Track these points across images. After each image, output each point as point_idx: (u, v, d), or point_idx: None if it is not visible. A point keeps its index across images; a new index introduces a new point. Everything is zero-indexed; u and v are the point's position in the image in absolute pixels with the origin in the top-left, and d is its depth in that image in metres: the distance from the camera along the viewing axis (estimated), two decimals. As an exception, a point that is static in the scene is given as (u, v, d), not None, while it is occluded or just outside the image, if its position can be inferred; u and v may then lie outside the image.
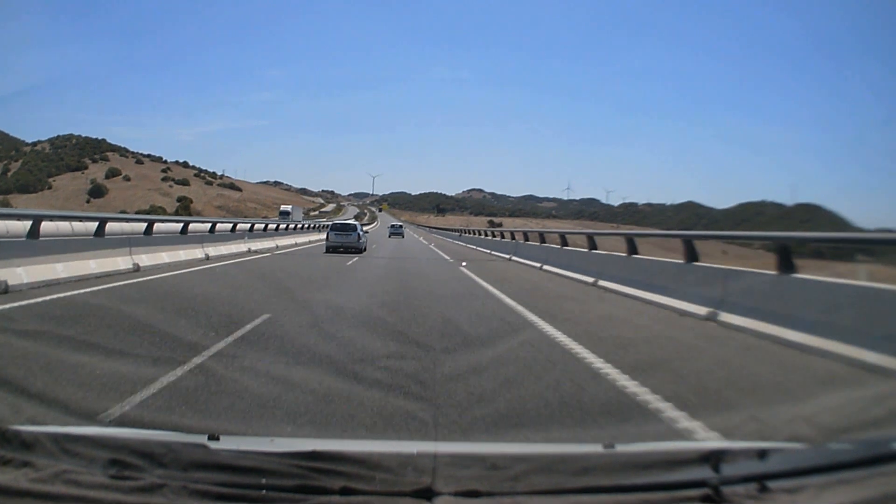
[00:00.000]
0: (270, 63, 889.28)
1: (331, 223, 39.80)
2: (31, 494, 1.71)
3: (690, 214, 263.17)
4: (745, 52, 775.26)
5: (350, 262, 22.92)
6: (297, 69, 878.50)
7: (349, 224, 36.30)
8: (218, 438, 2.32)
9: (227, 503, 1.72)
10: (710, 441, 4.53)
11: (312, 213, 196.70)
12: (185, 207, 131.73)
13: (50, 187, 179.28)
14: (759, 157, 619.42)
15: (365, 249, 34.20)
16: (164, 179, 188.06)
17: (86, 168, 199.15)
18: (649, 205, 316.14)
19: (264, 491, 1.75)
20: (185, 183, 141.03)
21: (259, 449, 2.22)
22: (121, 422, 4.60)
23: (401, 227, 78.76)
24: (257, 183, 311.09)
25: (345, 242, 32.56)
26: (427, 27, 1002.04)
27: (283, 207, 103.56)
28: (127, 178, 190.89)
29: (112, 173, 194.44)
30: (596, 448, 2.51)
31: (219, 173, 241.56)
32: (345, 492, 1.75)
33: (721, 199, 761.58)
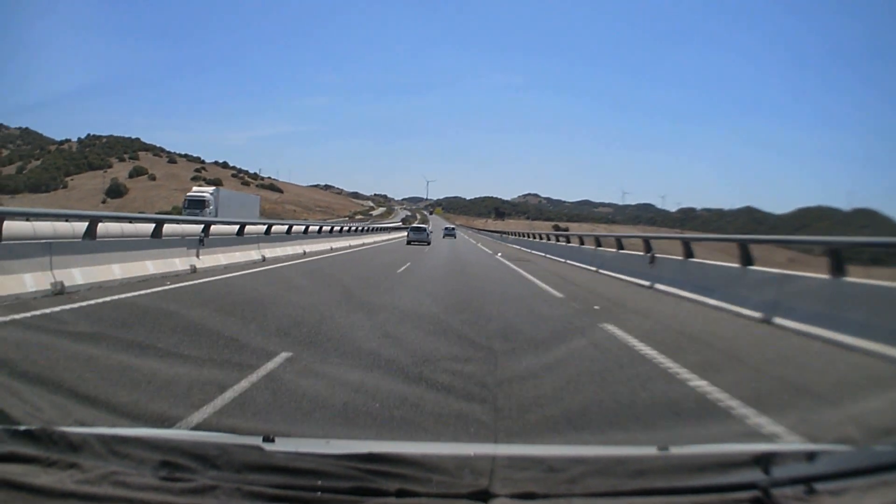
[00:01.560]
0: (325, 68, 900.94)
1: (393, 226, 58.78)
2: (76, 496, 1.73)
3: (749, 220, 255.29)
4: (792, 58, 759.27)
5: (401, 270, 23.16)
6: (350, 74, 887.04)
7: (422, 227, 61.72)
8: (273, 440, 2.38)
9: None
10: (761, 443, 4.63)
11: (358, 217, 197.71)
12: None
13: (65, 186, 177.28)
14: (811, 163, 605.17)
15: (430, 243, 54.43)
16: (193, 179, 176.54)
17: (109, 167, 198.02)
18: (707, 210, 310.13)
19: (319, 493, 1.78)
20: (217, 183, 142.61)
21: (315, 451, 2.26)
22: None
23: (453, 229, 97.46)
24: (308, 186, 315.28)
25: (418, 238, 54.27)
26: (480, 33, 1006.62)
27: (191, 192, 62.87)
28: (153, 178, 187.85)
29: (137, 172, 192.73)
30: (651, 450, 2.64)
31: (259, 173, 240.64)
32: (401, 494, 1.79)
33: (778, 204, 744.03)
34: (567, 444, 4.54)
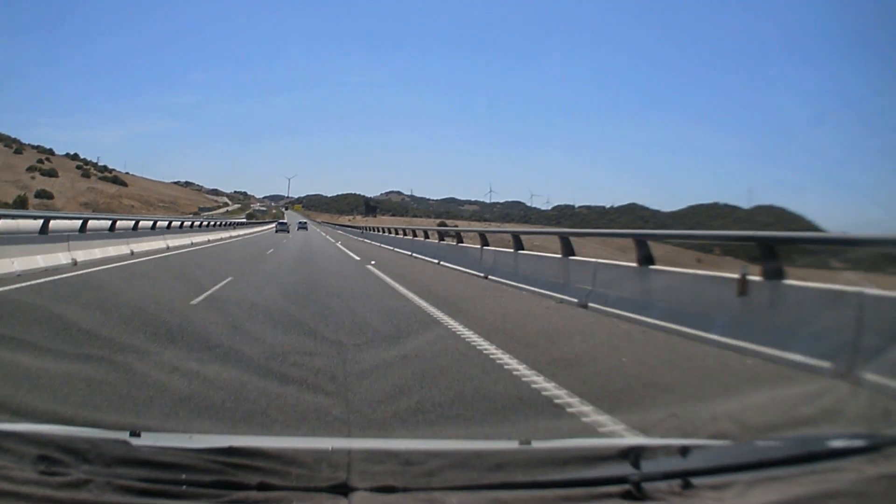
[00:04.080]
0: (194, 66, 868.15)
1: (239, 221, 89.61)
2: None
3: (634, 217, 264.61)
4: (680, 55, 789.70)
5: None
6: (219, 73, 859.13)
7: (285, 222, 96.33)
8: (139, 435, 2.52)
9: (149, 498, 1.81)
10: (630, 438, 4.81)
11: (204, 213, 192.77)
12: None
13: None
14: (712, 162, 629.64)
15: (288, 231, 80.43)
16: (28, 170, 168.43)
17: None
18: (587, 207, 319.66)
19: (185, 487, 1.85)
20: (53, 174, 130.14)
21: (178, 445, 2.33)
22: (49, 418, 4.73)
23: (305, 222, 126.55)
24: (169, 182, 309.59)
25: (283, 229, 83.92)
26: (346, 31, 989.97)
27: None
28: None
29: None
30: (512, 444, 2.72)
31: (99, 163, 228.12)
32: (262, 487, 1.86)
33: (671, 203, 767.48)
34: (422, 438, 4.74)
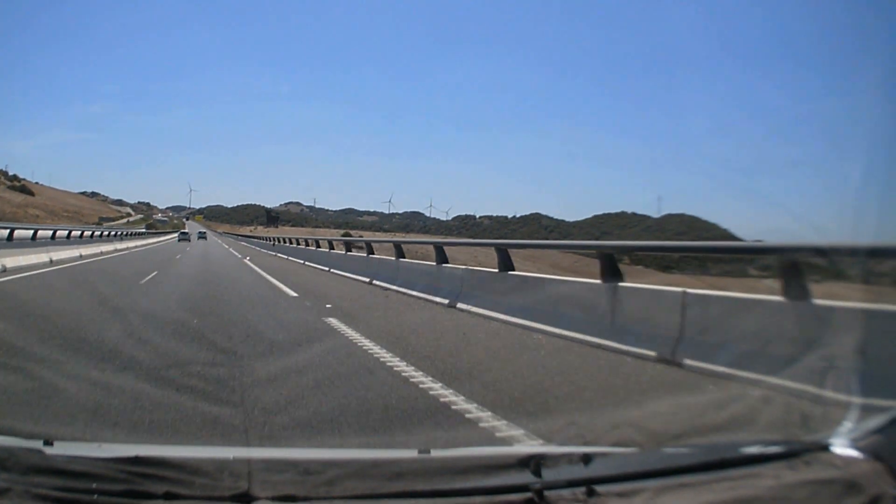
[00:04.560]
0: (104, 78, 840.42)
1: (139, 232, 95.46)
2: None
3: (537, 227, 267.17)
4: (581, 63, 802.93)
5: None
6: (128, 85, 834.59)
7: (186, 232, 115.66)
8: (52, 444, 2.53)
9: None
10: (530, 445, 4.77)
11: (106, 223, 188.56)
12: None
13: None
14: (615, 172, 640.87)
15: (190, 240, 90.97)
16: None
17: None
18: (489, 217, 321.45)
19: (96, 496, 1.86)
20: None
21: (88, 454, 2.36)
22: None
23: (205, 232, 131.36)
24: (77, 193, 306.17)
25: (184, 237, 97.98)
26: (246, 45, 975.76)
27: None
28: None
29: None
30: (411, 453, 2.76)
31: (9, 172, 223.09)
32: (168, 496, 1.88)
33: (579, 212, 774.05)
34: (321, 448, 4.70)
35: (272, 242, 58.58)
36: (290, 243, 46.32)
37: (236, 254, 44.18)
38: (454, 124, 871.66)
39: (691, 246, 19.69)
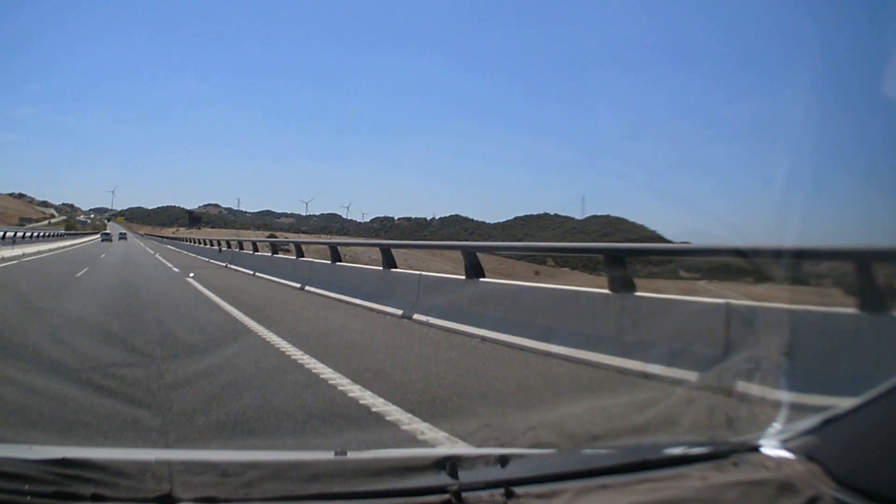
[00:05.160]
0: (32, 78, 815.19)
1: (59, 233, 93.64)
2: None
3: (458, 229, 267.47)
4: (499, 65, 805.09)
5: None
6: (53, 84, 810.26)
7: (108, 233, 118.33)
8: None
9: None
10: (448, 447, 4.76)
11: (29, 224, 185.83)
12: None
13: None
14: (538, 175, 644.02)
15: (111, 241, 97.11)
16: None
17: None
18: (408, 219, 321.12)
19: (28, 497, 1.86)
20: None
21: (19, 456, 2.34)
22: None
23: (125, 233, 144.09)
24: (5, 194, 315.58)
25: (107, 238, 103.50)
26: (165, 48, 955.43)
27: None
28: None
29: None
30: (328, 455, 2.76)
31: None
32: (95, 498, 1.88)
33: (501, 214, 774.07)
34: (239, 449, 4.65)
35: (219, 248, 43.55)
36: (240, 248, 37.65)
37: (174, 268, 31.26)
38: (371, 128, 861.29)
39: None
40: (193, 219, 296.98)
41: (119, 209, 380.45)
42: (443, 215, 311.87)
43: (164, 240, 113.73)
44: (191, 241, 64.10)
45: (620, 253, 9.08)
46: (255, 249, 31.27)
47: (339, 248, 19.72)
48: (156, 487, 1.96)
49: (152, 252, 53.01)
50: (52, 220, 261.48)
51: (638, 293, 8.48)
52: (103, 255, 42.27)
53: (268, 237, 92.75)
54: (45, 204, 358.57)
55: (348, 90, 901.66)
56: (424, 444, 4.92)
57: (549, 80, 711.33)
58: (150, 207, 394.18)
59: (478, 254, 12.38)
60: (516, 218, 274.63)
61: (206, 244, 50.41)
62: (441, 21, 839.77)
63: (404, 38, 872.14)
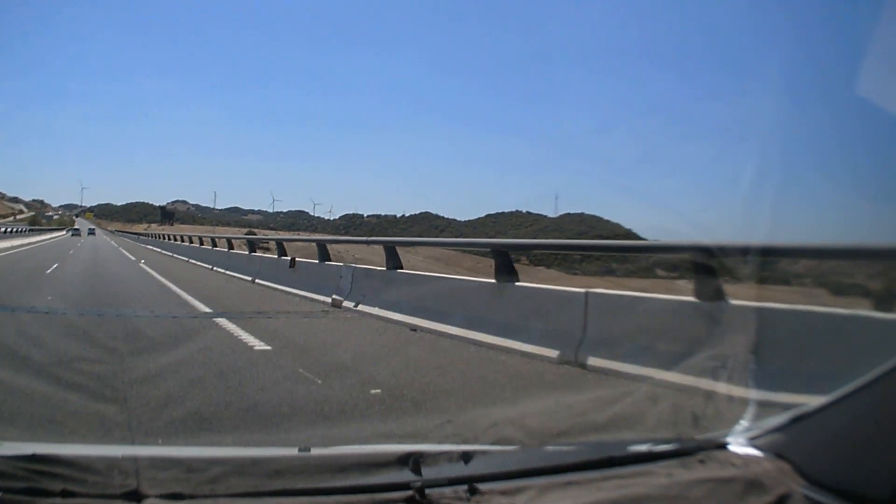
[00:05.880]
0: (3, 75, 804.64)
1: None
2: None
3: (428, 226, 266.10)
4: (465, 65, 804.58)
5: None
6: (24, 80, 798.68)
7: (77, 228, 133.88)
8: None
9: None
10: (411, 444, 4.46)
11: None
12: None
13: None
14: (509, 173, 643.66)
15: (81, 235, 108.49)
16: None
17: None
18: (377, 216, 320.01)
19: (2, 493, 1.87)
20: None
21: None
22: None
23: (94, 229, 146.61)
24: None
25: (76, 233, 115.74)
26: (132, 41, 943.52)
27: None
28: None
29: None
30: (291, 451, 2.77)
31: None
32: (65, 494, 1.90)
33: (473, 212, 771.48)
34: (203, 445, 4.66)
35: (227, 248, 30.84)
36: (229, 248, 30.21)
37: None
38: (339, 126, 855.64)
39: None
40: (166, 214, 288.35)
41: (88, 205, 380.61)
42: (413, 212, 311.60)
43: (140, 237, 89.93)
44: (168, 239, 55.04)
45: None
46: (282, 252, 21.49)
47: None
48: (123, 483, 1.96)
49: (134, 260, 36.42)
50: (19, 217, 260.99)
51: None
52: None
53: (246, 234, 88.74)
54: (15, 200, 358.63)
55: (316, 88, 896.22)
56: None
57: (519, 78, 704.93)
58: (119, 204, 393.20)
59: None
60: (488, 216, 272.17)
61: (189, 242, 42.92)
62: (410, 19, 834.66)
63: (372, 37, 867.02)
